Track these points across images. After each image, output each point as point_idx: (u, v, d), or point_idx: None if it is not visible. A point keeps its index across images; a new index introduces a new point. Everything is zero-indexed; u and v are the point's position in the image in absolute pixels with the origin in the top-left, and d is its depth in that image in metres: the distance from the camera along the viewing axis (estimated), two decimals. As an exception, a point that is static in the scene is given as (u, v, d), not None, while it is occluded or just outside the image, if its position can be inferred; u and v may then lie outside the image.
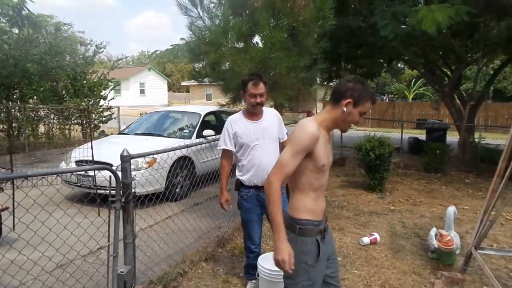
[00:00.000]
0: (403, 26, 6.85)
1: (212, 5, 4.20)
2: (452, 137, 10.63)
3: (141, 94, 36.18)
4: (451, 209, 3.95)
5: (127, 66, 37.70)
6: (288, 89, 4.15)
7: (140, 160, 5.39)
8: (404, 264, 3.78)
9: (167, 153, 4.62)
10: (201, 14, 3.96)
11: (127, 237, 2.63)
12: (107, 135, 11.57)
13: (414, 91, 30.81)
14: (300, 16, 3.98)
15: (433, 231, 4.01)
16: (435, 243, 3.80)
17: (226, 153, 3.04)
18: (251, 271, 3.22)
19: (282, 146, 3.06)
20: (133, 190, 2.57)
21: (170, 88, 46.76)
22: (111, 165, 5.13)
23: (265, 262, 2.89)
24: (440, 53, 9.28)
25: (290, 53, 3.95)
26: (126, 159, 2.54)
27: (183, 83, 40.41)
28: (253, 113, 2.98)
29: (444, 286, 3.31)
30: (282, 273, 1.93)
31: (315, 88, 4.94)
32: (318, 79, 6.27)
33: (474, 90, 9.07)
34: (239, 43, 4.09)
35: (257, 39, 4.61)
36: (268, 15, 3.82)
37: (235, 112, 4.99)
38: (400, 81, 31.84)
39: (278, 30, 3.87)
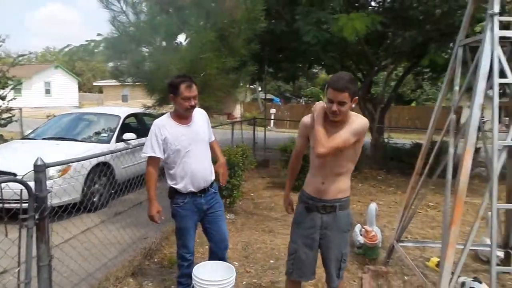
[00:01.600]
0: (325, 33, 7.18)
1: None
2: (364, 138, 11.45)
3: (47, 94, 32.92)
4: (373, 206, 4.19)
5: (30, 63, 34.07)
6: (218, 90, 4.04)
7: (51, 168, 4.81)
8: (334, 261, 3.90)
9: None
10: (124, 8, 3.65)
11: (41, 258, 2.29)
12: (6, 140, 10.19)
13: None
14: (231, 17, 3.90)
15: (357, 228, 4.22)
16: (360, 239, 3.99)
17: (153, 160, 2.78)
18: (185, 281, 3.05)
19: (210, 145, 3.00)
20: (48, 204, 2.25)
21: (81, 88, 43.39)
22: (15, 175, 4.56)
23: (200, 273, 2.75)
24: (354, 59, 9.96)
25: (220, 54, 3.85)
26: (40, 168, 2.20)
27: (95, 83, 37.75)
28: (183, 116, 2.80)
29: (371, 280, 3.49)
30: (219, 283, 2.27)
31: (242, 89, 4.89)
32: (243, 85, 6.27)
33: (383, 94, 9.89)
34: (167, 42, 3.85)
35: (183, 38, 4.44)
36: (198, 14, 3.67)
37: (161, 114, 4.74)
38: (314, 85, 33.56)
39: (208, 30, 3.74)
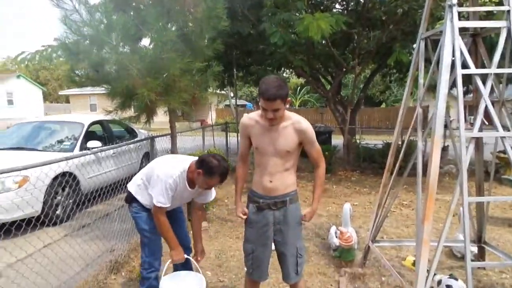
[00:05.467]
0: (290, 34, 7.16)
1: (91, -3, 3.69)
2: (336, 140, 11.53)
3: (9, 105, 31.51)
4: (347, 206, 4.11)
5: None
6: (183, 92, 3.87)
7: (7, 180, 4.49)
8: (309, 265, 3.80)
9: (43, 170, 3.92)
10: (77, 6, 3.43)
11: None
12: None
13: (299, 98, 33.00)
14: (192, 15, 3.75)
15: (332, 230, 4.13)
16: (336, 241, 3.90)
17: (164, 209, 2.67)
18: None
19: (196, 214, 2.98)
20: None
21: (46, 98, 41.85)
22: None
23: (168, 285, 2.58)
24: (322, 61, 10.02)
25: (183, 54, 3.69)
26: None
27: (61, 92, 36.47)
28: (193, 184, 2.70)
29: (348, 283, 3.40)
30: None
31: (210, 92, 4.74)
32: (211, 87, 6.15)
33: (352, 95, 9.98)
34: (125, 42, 3.65)
35: (145, 40, 4.26)
36: (157, 12, 3.50)
37: (123, 119, 4.52)
38: (286, 89, 33.83)
39: (169, 29, 3.58)
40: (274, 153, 2.34)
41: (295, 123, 2.34)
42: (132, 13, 3.95)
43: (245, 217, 2.54)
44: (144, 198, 2.78)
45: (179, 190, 2.64)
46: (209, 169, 2.49)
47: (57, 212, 5.11)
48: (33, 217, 4.51)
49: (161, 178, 2.57)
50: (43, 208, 4.80)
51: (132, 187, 2.85)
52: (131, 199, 2.82)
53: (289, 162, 2.40)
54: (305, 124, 2.36)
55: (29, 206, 4.13)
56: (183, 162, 2.68)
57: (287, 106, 2.27)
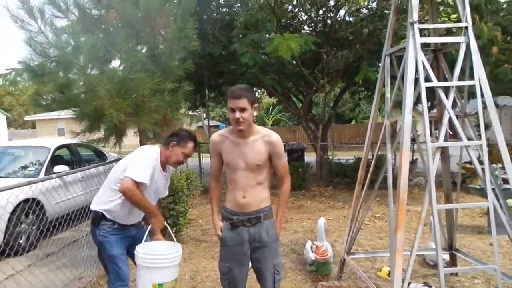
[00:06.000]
0: (261, 54, 7.29)
1: (57, 19, 3.64)
2: (309, 157, 11.66)
3: (-30, 133, 30.18)
4: (321, 221, 4.13)
5: None
6: (153, 112, 3.83)
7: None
8: (286, 282, 3.75)
9: (4, 195, 3.74)
10: (42, 28, 3.36)
11: None
12: None
13: (272, 117, 33.36)
14: (162, 37, 3.76)
15: (308, 244, 4.12)
16: (311, 255, 3.89)
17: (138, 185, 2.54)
18: None
19: None
20: None
21: (11, 124, 40.35)
22: None
23: (144, 249, 2.47)
24: (293, 80, 10.23)
25: (153, 75, 3.67)
26: None
27: (27, 117, 35.27)
28: (166, 166, 2.74)
29: (325, 297, 3.38)
30: (160, 259, 2.35)
31: (182, 112, 4.72)
32: (183, 107, 6.12)
33: (323, 113, 10.19)
34: (93, 64, 3.60)
35: (114, 63, 4.22)
36: (126, 34, 3.49)
37: (91, 141, 4.39)
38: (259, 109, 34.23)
39: (138, 49, 3.56)
40: (245, 167, 2.33)
41: (265, 136, 2.35)
42: (101, 35, 3.92)
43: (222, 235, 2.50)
44: (115, 204, 2.60)
45: (156, 176, 2.60)
46: (182, 137, 2.63)
47: (20, 241, 4.85)
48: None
49: (140, 156, 2.58)
50: (4, 238, 4.54)
51: (97, 201, 2.70)
52: (98, 218, 2.63)
53: (261, 176, 2.37)
54: (275, 138, 2.37)
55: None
56: (154, 148, 2.69)
57: (255, 114, 2.30)
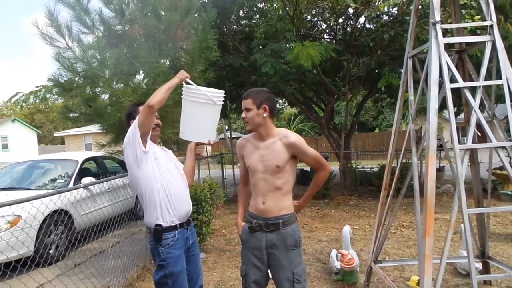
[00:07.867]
0: (282, 64, 7.33)
1: (84, 35, 3.79)
2: (332, 166, 11.53)
3: (4, 149, 31.49)
4: (347, 229, 4.06)
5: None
6: (176, 123, 3.88)
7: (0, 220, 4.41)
8: (312, 291, 3.69)
9: (37, 208, 3.88)
10: (70, 44, 3.51)
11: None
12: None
13: (294, 127, 33.29)
14: (183, 49, 3.84)
15: (333, 253, 4.06)
16: (337, 264, 3.83)
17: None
18: None
19: None
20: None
21: (41, 141, 41.88)
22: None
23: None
24: (314, 89, 10.20)
25: (176, 85, 3.73)
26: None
27: (56, 134, 36.57)
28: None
29: (353, 307, 3.30)
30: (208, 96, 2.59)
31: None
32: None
33: (345, 121, 10.09)
34: (118, 77, 3.71)
35: (138, 75, 4.33)
36: (149, 47, 3.59)
37: (115, 153, 4.47)
38: (280, 120, 34.21)
39: (161, 61, 3.65)
40: (264, 170, 2.33)
41: (283, 138, 2.33)
42: (125, 49, 4.04)
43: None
44: (156, 204, 2.41)
45: (157, 151, 2.49)
46: (129, 111, 2.62)
47: (50, 251, 4.98)
48: (27, 257, 4.40)
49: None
50: (36, 248, 4.68)
51: (147, 218, 2.47)
52: (159, 233, 2.40)
53: (280, 180, 2.32)
54: (293, 137, 2.34)
55: (21, 246, 4.02)
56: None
57: (265, 115, 2.29)
